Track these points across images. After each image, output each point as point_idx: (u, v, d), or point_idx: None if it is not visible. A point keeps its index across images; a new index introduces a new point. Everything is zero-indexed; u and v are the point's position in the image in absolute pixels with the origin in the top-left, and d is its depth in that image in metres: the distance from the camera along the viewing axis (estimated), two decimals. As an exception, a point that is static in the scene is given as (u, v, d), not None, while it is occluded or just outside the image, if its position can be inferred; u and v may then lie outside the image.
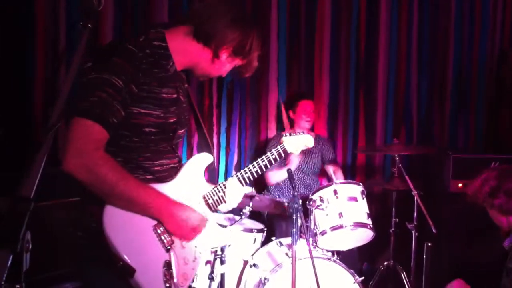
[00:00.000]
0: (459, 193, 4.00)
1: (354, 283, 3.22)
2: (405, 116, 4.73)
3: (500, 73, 4.88)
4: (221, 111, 4.42)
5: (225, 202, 2.19)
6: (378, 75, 4.67)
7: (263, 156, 2.34)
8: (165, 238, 1.91)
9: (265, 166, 2.31)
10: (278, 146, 2.43)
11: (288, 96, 4.55)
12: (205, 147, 2.24)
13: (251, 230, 3.48)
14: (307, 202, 3.42)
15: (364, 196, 3.55)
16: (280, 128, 4.52)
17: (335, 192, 3.44)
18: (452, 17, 4.79)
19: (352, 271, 3.26)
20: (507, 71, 4.84)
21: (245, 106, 4.50)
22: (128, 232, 1.81)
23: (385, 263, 3.95)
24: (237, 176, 2.26)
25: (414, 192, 3.65)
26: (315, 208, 3.41)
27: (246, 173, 2.27)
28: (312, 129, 4.56)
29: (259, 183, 4.30)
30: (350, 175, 4.58)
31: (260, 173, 2.31)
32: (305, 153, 4.20)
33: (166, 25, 2.02)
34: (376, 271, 3.98)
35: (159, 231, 1.90)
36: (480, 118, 4.86)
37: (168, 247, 1.92)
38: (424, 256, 3.63)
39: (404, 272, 3.83)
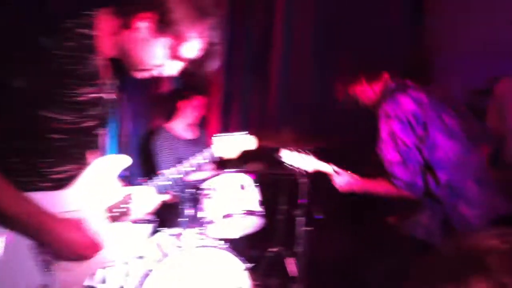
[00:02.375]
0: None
1: (244, 270, 3.29)
2: (299, 105, 4.86)
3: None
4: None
5: (131, 214, 1.92)
6: (272, 64, 4.74)
7: (186, 162, 2.12)
8: (44, 257, 1.67)
9: (187, 172, 2.09)
10: (207, 150, 2.22)
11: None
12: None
13: (139, 222, 3.43)
14: (197, 191, 3.43)
15: (254, 183, 3.63)
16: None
17: (226, 180, 3.48)
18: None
19: (241, 258, 3.32)
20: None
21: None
22: None
23: (273, 249, 4.07)
24: (151, 183, 2.00)
25: (302, 179, 3.78)
26: (205, 197, 3.42)
27: (164, 180, 2.01)
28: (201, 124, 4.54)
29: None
30: (242, 162, 4.62)
31: (181, 180, 2.07)
32: (195, 143, 4.17)
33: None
34: (265, 258, 4.09)
35: (37, 249, 1.67)
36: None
37: (47, 269, 1.67)
38: (302, 241, 3.80)
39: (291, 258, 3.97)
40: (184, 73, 1.78)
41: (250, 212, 3.49)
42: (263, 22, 4.70)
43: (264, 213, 3.57)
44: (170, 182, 2.03)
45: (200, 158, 2.19)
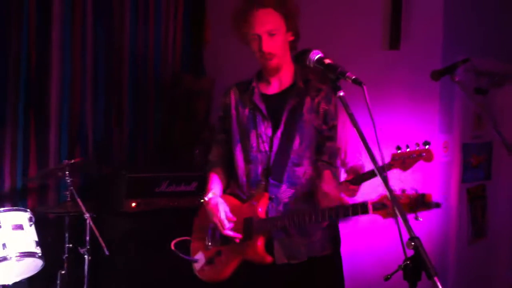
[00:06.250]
0: (132, 212, 4.28)
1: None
2: (80, 136, 4.80)
3: (174, 92, 5.39)
4: None
5: None
6: (51, 95, 4.62)
7: None
8: None
9: None
10: None
11: None
12: None
13: None
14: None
15: (32, 223, 3.54)
16: None
17: (-1, 220, 3.33)
18: (127, 39, 5.09)
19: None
20: (179, 91, 5.40)
21: None
22: None
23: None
24: None
25: (86, 215, 3.74)
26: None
27: None
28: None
29: None
30: (20, 201, 4.42)
31: None
32: None
33: None
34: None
35: None
36: (158, 135, 5.28)
37: None
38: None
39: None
40: None
41: (27, 254, 3.37)
42: (38, 51, 4.54)
43: (44, 254, 3.47)
44: None
45: None
